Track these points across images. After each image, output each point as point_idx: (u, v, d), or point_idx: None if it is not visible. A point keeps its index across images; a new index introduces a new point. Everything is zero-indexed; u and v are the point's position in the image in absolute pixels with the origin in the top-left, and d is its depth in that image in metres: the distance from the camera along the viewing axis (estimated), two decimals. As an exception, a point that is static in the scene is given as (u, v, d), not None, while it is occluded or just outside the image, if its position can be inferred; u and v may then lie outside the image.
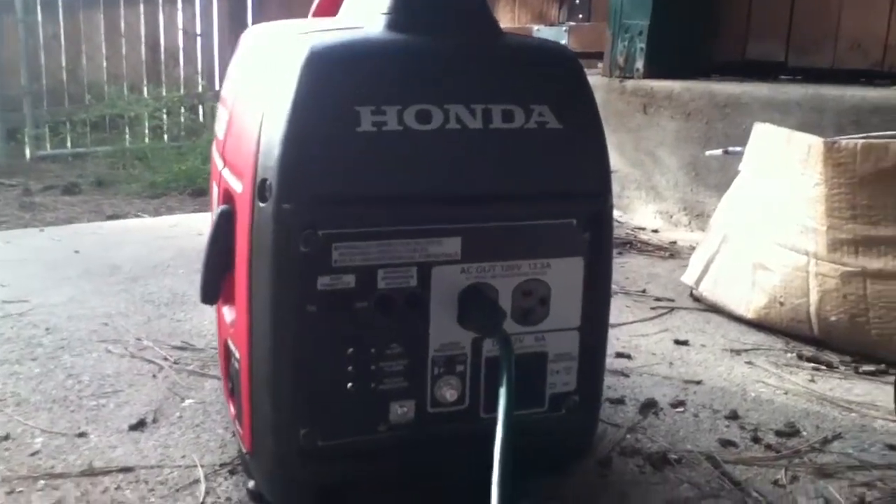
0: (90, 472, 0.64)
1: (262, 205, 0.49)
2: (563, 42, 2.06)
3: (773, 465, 0.68)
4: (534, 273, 0.54)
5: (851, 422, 0.76)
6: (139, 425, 0.73)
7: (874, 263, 0.86)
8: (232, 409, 0.59)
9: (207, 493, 0.62)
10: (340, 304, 0.50)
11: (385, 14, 0.52)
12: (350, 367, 0.51)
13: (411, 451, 0.53)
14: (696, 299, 1.11)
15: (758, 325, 1.00)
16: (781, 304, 0.96)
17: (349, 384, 0.51)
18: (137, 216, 2.04)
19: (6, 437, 0.70)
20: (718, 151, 1.41)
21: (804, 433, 0.73)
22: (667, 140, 1.62)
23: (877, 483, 0.65)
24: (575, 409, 0.57)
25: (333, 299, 0.50)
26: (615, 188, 1.81)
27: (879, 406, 0.79)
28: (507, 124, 0.51)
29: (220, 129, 0.66)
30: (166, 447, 0.69)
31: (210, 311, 1.04)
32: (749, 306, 1.00)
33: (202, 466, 0.65)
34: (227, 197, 0.57)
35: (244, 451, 0.55)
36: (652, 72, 1.71)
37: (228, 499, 0.61)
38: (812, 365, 0.90)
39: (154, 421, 0.74)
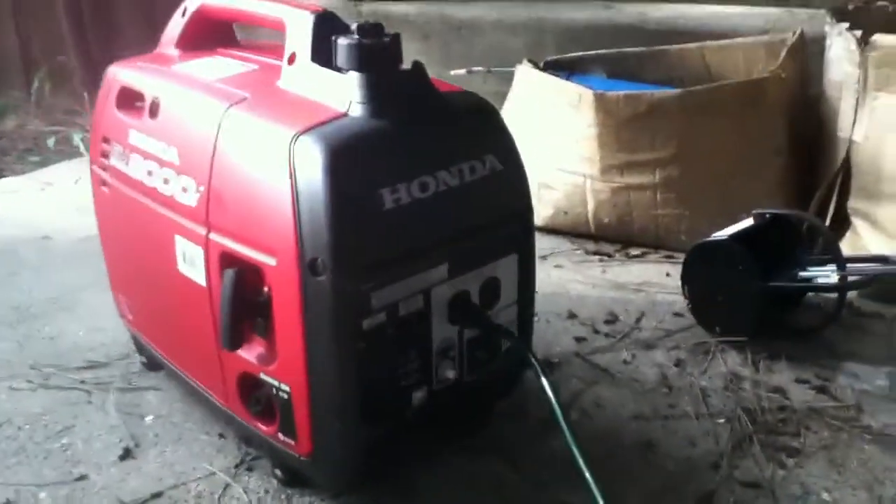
0: (129, 510, 0.73)
1: (315, 278, 0.61)
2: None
3: (615, 348, 0.97)
4: (490, 273, 0.72)
5: (644, 300, 1.08)
6: (127, 454, 0.80)
7: (635, 180, 1.17)
8: (264, 426, 0.71)
9: (245, 491, 0.75)
10: (378, 335, 0.65)
11: (362, 103, 0.64)
12: (387, 377, 0.67)
13: (426, 420, 0.72)
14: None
15: (547, 230, 1.28)
16: (566, 213, 1.24)
17: (385, 390, 0.67)
18: None
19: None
20: (462, 71, 1.63)
21: (621, 318, 1.03)
22: (409, 60, 1.79)
23: (680, 345, 0.97)
24: (517, 353, 0.78)
25: (373, 333, 0.64)
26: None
27: (654, 283, 1.12)
28: (473, 176, 0.67)
29: (174, 190, 0.72)
30: (172, 465, 0.79)
31: (73, 319, 1.07)
32: (538, 216, 1.27)
33: (221, 472, 0.77)
34: (232, 260, 0.67)
35: (298, 455, 0.69)
36: (380, -8, 1.85)
37: (266, 491, 0.75)
38: (598, 257, 1.21)
39: (137, 446, 0.81)
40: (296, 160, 0.61)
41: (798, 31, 1.22)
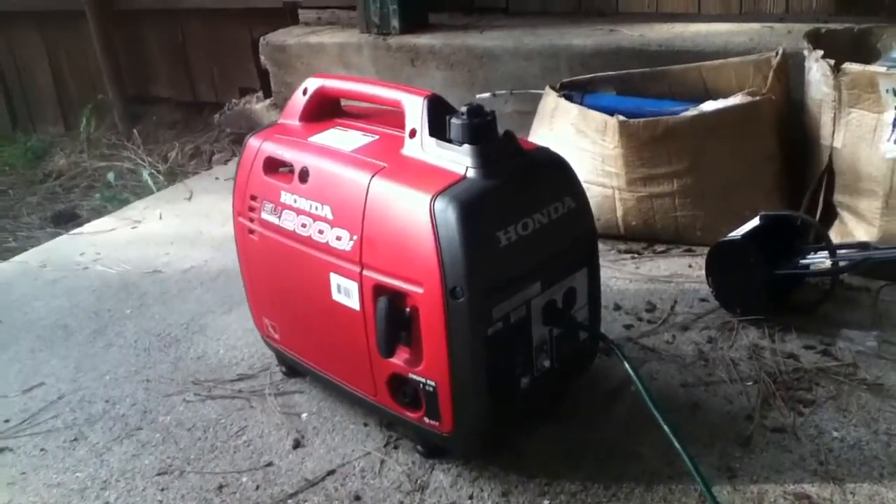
0: (312, 482, 0.96)
1: (455, 301, 0.84)
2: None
3: (658, 332, 1.20)
4: (569, 283, 0.96)
5: (674, 289, 1.31)
6: (297, 444, 1.03)
7: (656, 189, 1.40)
8: (411, 414, 0.94)
9: (397, 462, 0.98)
10: (496, 339, 0.88)
11: (475, 168, 0.87)
12: (503, 368, 0.90)
13: (529, 399, 0.95)
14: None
15: (583, 234, 1.51)
16: (598, 219, 1.47)
17: (503, 379, 0.91)
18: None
19: (221, 487, 0.97)
20: (487, 95, 1.85)
21: (658, 307, 1.27)
22: (436, 86, 2.02)
23: (709, 325, 1.21)
24: (588, 342, 1.02)
25: (494, 337, 0.88)
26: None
27: (681, 274, 1.36)
28: (557, 214, 0.91)
29: (329, 238, 0.94)
30: (335, 449, 1.02)
31: (208, 340, 1.29)
32: (574, 223, 1.51)
33: (374, 451, 1.00)
34: (383, 289, 0.90)
35: (441, 433, 0.92)
36: (406, 28, 2.07)
37: (413, 462, 0.98)
38: (630, 255, 1.45)
39: (303, 437, 1.04)
40: (436, 215, 0.84)
41: (780, 52, 1.45)
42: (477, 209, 0.85)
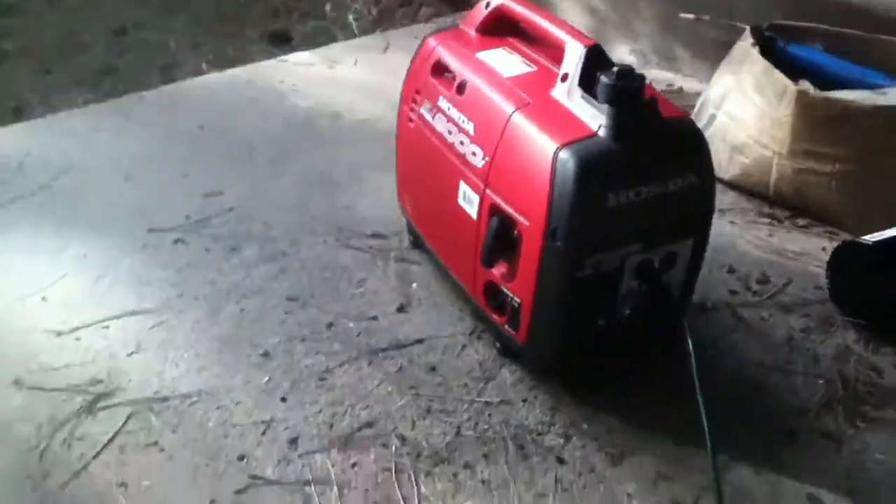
0: (402, 345, 1.13)
1: (553, 242, 0.94)
2: None
3: (760, 305, 1.24)
4: (670, 248, 1.02)
5: (796, 268, 1.32)
6: (401, 308, 1.20)
7: (817, 166, 1.37)
8: (497, 317, 1.07)
9: (476, 351, 1.13)
10: (585, 281, 0.98)
11: (607, 129, 0.93)
12: (584, 307, 1.01)
13: (604, 341, 1.05)
14: (686, 157, 1.61)
15: (731, 186, 1.52)
16: (750, 175, 1.47)
17: (581, 315, 1.01)
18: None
19: (331, 325, 1.17)
20: (691, 16, 1.81)
21: (772, 280, 1.29)
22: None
23: (812, 314, 1.23)
24: (681, 302, 1.09)
25: (582, 280, 0.97)
26: (597, 26, 2.25)
27: (811, 254, 1.35)
28: (674, 187, 0.96)
29: (466, 151, 1.05)
30: (429, 323, 1.18)
31: (362, 192, 1.46)
32: (727, 173, 1.51)
33: (460, 335, 1.16)
34: (498, 210, 1.01)
35: (518, 341, 1.05)
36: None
37: (489, 356, 1.13)
38: (768, 220, 1.45)
39: (407, 303, 1.21)
40: (557, 165, 0.93)
41: None
42: (594, 169, 0.92)
